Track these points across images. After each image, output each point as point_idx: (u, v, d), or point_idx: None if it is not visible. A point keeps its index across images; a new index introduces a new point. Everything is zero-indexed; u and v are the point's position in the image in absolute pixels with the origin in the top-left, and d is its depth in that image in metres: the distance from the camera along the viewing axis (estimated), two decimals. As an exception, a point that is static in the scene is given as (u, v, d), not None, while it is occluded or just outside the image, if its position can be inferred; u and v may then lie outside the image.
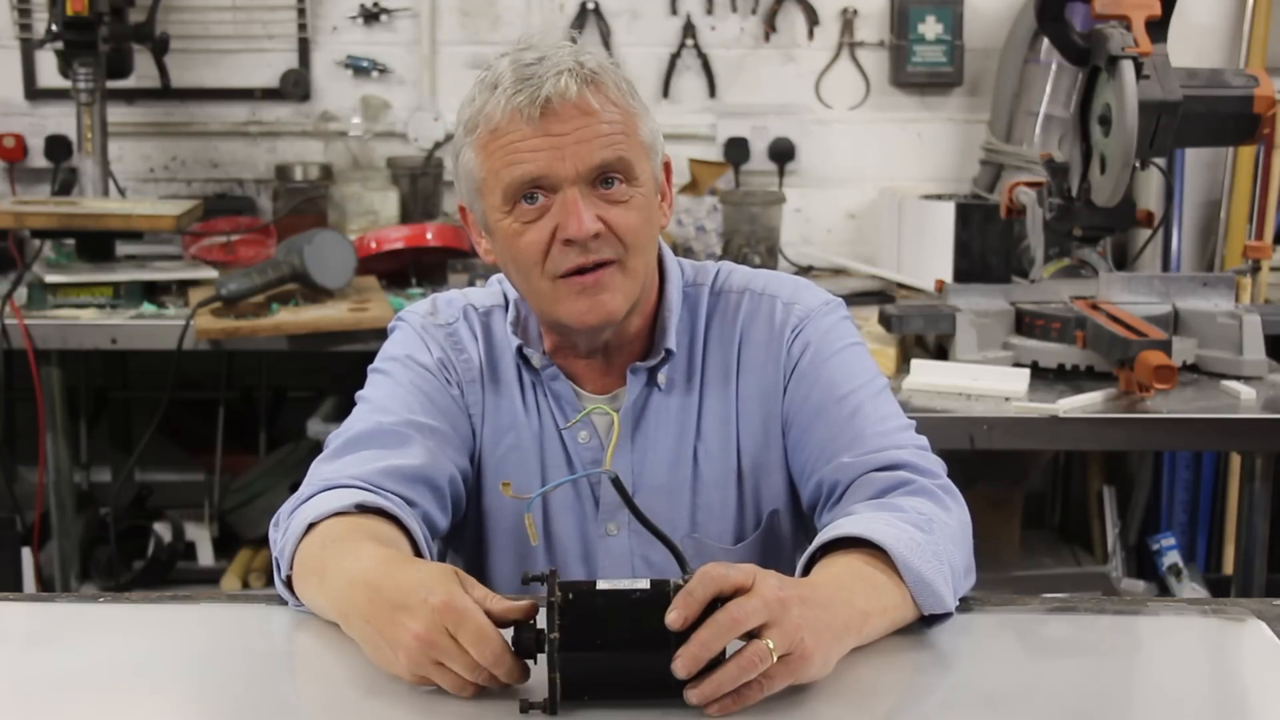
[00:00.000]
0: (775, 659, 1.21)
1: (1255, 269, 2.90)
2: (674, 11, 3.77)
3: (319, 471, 1.55)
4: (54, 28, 3.36)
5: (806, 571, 1.42)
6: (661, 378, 1.65)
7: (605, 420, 1.65)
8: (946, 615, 1.42)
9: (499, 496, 1.66)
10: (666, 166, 1.65)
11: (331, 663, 1.36)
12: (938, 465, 1.58)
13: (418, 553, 1.47)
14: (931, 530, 1.45)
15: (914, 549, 1.39)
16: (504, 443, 1.67)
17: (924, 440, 1.61)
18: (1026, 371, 2.62)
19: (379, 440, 1.57)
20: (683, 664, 1.20)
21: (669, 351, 1.64)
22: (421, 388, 1.64)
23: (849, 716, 1.25)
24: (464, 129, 1.56)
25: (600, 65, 1.54)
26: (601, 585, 1.23)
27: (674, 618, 1.19)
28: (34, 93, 3.78)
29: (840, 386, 1.62)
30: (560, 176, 1.51)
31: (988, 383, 2.58)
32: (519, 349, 1.66)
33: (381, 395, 1.64)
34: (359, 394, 1.67)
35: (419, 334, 1.68)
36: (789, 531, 1.69)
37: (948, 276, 3.14)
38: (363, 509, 1.47)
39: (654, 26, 3.78)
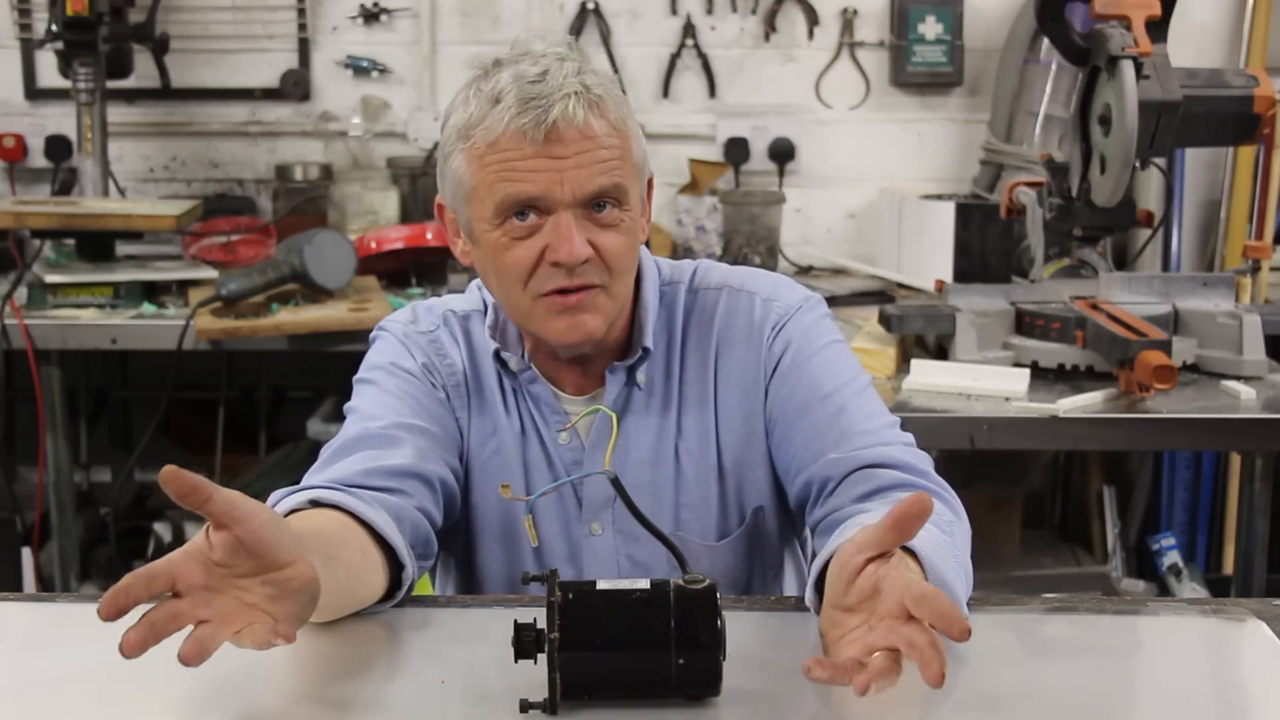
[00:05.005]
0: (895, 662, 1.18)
1: (1255, 269, 2.90)
2: (674, 11, 3.77)
3: (306, 482, 1.54)
4: (54, 28, 3.36)
5: (825, 566, 1.42)
6: (640, 376, 1.65)
7: (586, 422, 1.65)
8: None
9: (486, 499, 1.67)
10: (649, 182, 1.64)
11: (332, 663, 1.36)
12: (926, 462, 1.58)
13: (384, 543, 1.44)
14: (952, 533, 1.45)
15: (939, 552, 1.38)
16: (488, 447, 1.67)
17: (910, 437, 1.61)
18: (1026, 371, 2.62)
19: (367, 444, 1.57)
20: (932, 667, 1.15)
21: (646, 350, 1.64)
22: (409, 392, 1.64)
23: (849, 716, 1.25)
24: (457, 134, 1.54)
25: (602, 85, 1.53)
26: (601, 585, 1.23)
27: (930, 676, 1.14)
28: (34, 93, 3.78)
29: (824, 384, 1.62)
30: (556, 199, 1.51)
31: (988, 383, 2.58)
32: (496, 353, 1.66)
33: (368, 404, 1.63)
34: (347, 406, 1.66)
35: (401, 342, 1.68)
36: (774, 528, 1.69)
37: (948, 276, 3.14)
38: (318, 505, 1.45)
39: (654, 26, 3.78)
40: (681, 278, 1.70)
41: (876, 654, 1.19)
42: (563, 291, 1.54)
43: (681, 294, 1.69)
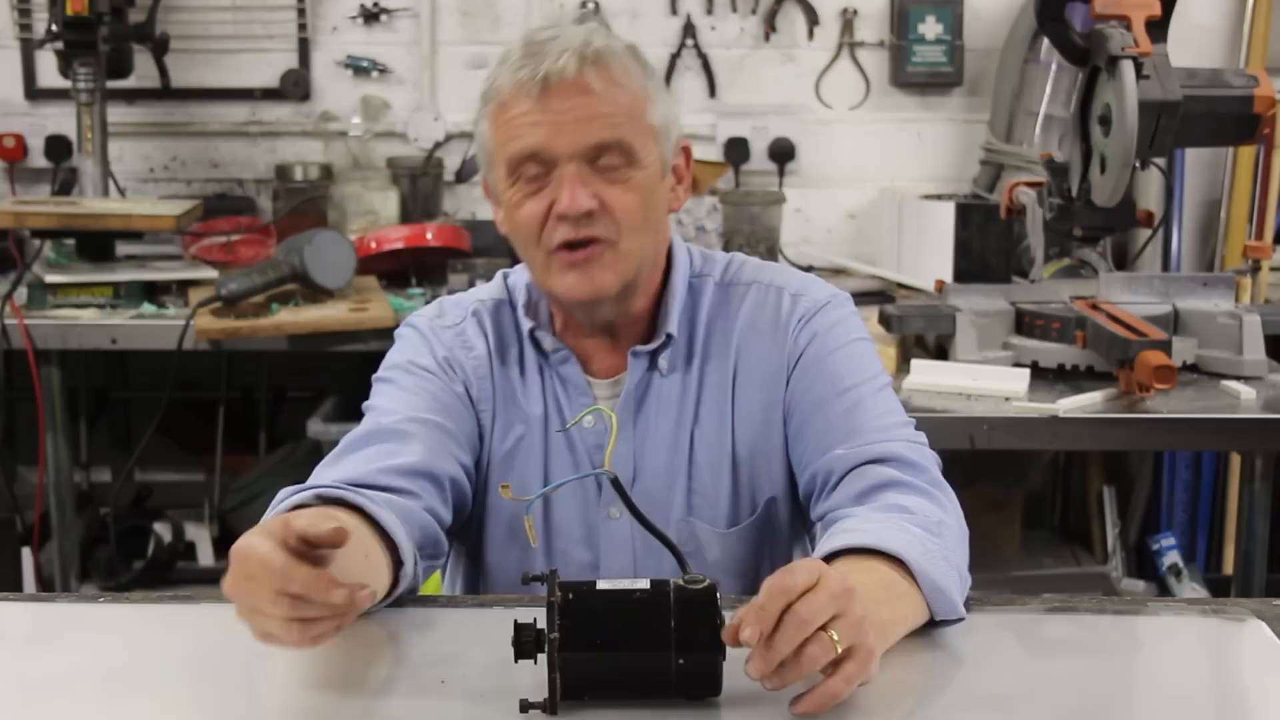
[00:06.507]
0: (839, 650, 1.20)
1: (1255, 269, 2.90)
2: (674, 11, 3.77)
3: (315, 477, 1.55)
4: (54, 28, 3.36)
5: None
6: (663, 362, 1.67)
7: (610, 405, 1.67)
8: (956, 620, 1.42)
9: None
10: (686, 151, 1.68)
11: (332, 663, 1.36)
12: (930, 461, 1.59)
13: (390, 542, 1.45)
14: (942, 535, 1.46)
15: (928, 556, 1.39)
16: (511, 434, 1.68)
17: (922, 436, 1.62)
18: (1026, 371, 2.62)
19: (378, 439, 1.58)
20: (754, 668, 1.19)
21: (669, 336, 1.66)
22: (425, 388, 1.65)
23: (848, 716, 1.25)
24: (481, 100, 1.61)
25: (608, 47, 1.57)
26: (601, 585, 1.23)
27: (749, 634, 1.18)
28: (34, 93, 3.78)
29: (844, 380, 1.63)
30: (557, 152, 1.55)
31: (988, 383, 2.58)
32: (531, 331, 1.68)
33: (384, 401, 1.65)
34: (365, 404, 1.68)
35: (425, 336, 1.70)
36: (786, 520, 1.70)
37: (948, 276, 3.14)
38: (323, 501, 1.46)
39: (654, 26, 3.78)
40: (712, 271, 1.72)
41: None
42: (571, 246, 1.56)
43: (710, 286, 1.71)
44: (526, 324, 1.68)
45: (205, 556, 3.63)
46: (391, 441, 1.57)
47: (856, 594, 1.22)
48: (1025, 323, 2.75)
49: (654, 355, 1.67)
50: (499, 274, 1.76)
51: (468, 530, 1.71)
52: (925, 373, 2.62)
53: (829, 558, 1.43)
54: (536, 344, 1.68)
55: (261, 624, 1.26)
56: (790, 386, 1.66)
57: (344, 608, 1.24)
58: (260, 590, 1.23)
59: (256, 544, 1.23)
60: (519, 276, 1.73)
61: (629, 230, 1.58)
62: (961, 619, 1.42)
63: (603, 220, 1.56)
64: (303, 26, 3.77)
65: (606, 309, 1.63)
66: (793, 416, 1.65)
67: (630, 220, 1.58)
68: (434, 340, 1.69)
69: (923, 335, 2.89)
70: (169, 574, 3.56)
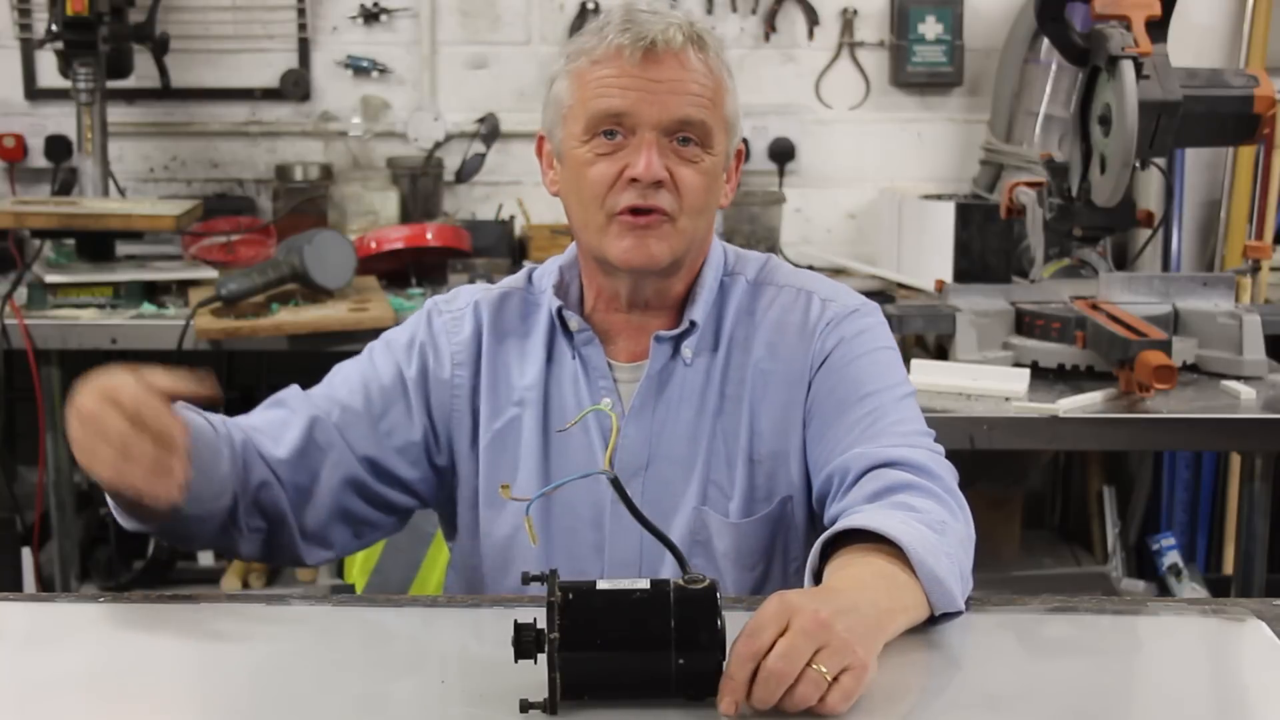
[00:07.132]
0: (830, 679, 1.21)
1: (1255, 269, 2.90)
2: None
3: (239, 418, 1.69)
4: (54, 28, 3.36)
5: (821, 558, 1.43)
6: (686, 350, 1.68)
7: (629, 389, 1.68)
8: (956, 614, 1.43)
9: (502, 475, 1.69)
10: (739, 154, 1.71)
11: (332, 663, 1.36)
12: (948, 472, 1.59)
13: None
14: (944, 533, 1.46)
15: (928, 548, 1.40)
16: (505, 415, 1.70)
17: (941, 449, 1.62)
18: (1026, 371, 2.62)
19: (282, 405, 1.71)
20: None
21: (692, 323, 1.68)
22: (375, 367, 1.72)
23: (848, 715, 1.25)
24: (564, 59, 1.63)
25: (708, 31, 1.63)
26: (601, 585, 1.23)
27: (726, 705, 1.20)
28: (34, 93, 3.78)
29: (866, 385, 1.65)
30: (642, 118, 1.58)
31: (988, 383, 2.58)
32: (559, 310, 1.69)
33: (339, 370, 1.74)
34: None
35: (421, 318, 1.75)
36: (802, 520, 1.70)
37: (948, 276, 3.14)
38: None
39: (654, 26, 3.77)
40: (745, 269, 1.75)
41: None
42: (635, 212, 1.59)
43: (741, 284, 1.73)
44: (555, 303, 1.70)
45: (205, 556, 3.63)
46: (285, 410, 1.69)
47: (835, 620, 1.22)
48: (1025, 323, 2.76)
49: (677, 342, 1.68)
50: (525, 267, 1.79)
51: (468, 526, 1.72)
52: (925, 373, 2.62)
53: (829, 550, 1.44)
54: (563, 324, 1.69)
55: (102, 453, 1.38)
56: (812, 389, 1.67)
57: (162, 457, 1.39)
58: (111, 416, 1.37)
59: (119, 374, 1.41)
60: (547, 266, 1.76)
61: (690, 210, 1.61)
62: (960, 612, 1.43)
63: (669, 194, 1.59)
64: (303, 26, 3.77)
65: (650, 284, 1.66)
66: (813, 419, 1.66)
67: (693, 201, 1.61)
68: (423, 324, 1.74)
69: (923, 335, 2.89)
70: (169, 574, 3.55)
